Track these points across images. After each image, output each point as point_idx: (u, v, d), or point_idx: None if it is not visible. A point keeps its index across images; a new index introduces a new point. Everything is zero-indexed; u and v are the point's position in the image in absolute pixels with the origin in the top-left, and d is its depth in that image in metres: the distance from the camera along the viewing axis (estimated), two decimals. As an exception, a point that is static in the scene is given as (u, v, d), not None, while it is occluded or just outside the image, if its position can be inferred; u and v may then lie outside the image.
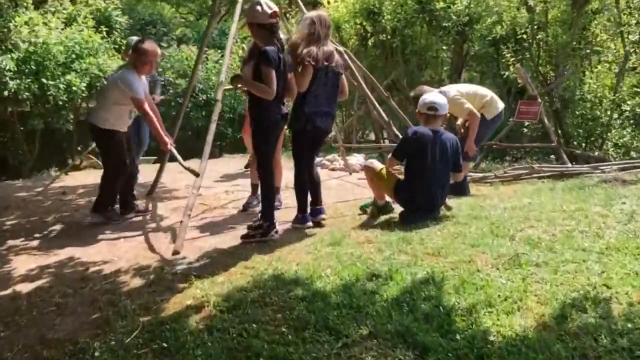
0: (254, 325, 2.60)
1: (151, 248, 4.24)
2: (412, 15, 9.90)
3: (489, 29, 9.95)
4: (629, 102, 8.58)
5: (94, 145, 5.90)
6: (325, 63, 4.20)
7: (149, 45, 4.84)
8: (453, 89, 5.78)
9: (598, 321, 2.42)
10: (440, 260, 3.30)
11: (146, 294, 3.23)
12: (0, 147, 9.67)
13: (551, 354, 2.16)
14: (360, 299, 2.79)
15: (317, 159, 4.86)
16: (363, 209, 4.78)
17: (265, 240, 4.06)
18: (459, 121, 6.15)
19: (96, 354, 2.50)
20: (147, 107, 4.72)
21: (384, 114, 5.72)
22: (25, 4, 8.16)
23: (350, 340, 2.39)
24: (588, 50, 9.15)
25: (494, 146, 8.28)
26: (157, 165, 6.35)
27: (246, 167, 7.04)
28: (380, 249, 3.57)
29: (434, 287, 2.89)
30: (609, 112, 8.44)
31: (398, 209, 4.55)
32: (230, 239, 4.29)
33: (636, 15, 8.74)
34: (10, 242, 4.55)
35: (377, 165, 4.57)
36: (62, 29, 8.77)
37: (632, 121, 8.63)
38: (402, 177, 4.47)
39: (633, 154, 8.12)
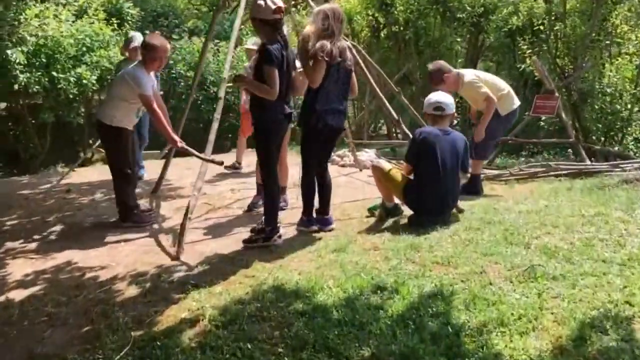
0: (249, 344, 2.44)
1: (151, 252, 4.10)
2: (426, 6, 9.64)
3: (505, 20, 9.65)
4: (650, 96, 8.26)
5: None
6: (339, 59, 3.98)
7: (158, 40, 4.66)
8: (470, 73, 5.51)
9: (620, 344, 2.24)
10: (450, 270, 3.12)
11: (140, 304, 3.10)
12: (12, 140, 9.68)
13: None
14: (363, 315, 2.62)
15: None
16: (371, 211, 4.59)
17: (267, 246, 3.90)
18: (472, 110, 5.90)
19: (82, 373, 2.38)
20: (155, 105, 4.56)
21: (393, 112, 5.49)
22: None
23: (350, 363, 2.23)
24: (608, 42, 8.80)
25: (510, 141, 8.02)
26: (163, 161, 6.20)
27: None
28: (387, 256, 3.40)
29: (443, 302, 2.71)
30: (629, 106, 8.12)
31: (408, 211, 4.36)
32: (232, 242, 4.14)
33: (659, 6, 8.41)
34: (9, 244, 4.44)
35: (386, 165, 4.39)
36: (73, 22, 8.68)
37: (653, 115, 8.32)
38: (411, 177, 4.27)
39: (654, 149, 7.85)
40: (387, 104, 5.53)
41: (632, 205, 4.13)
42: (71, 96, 8.39)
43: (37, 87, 7.90)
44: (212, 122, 4.37)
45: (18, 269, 3.88)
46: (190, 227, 4.20)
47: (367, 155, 7.72)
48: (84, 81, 8.31)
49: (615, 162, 6.41)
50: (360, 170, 7.08)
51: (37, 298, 3.34)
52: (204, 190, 5.28)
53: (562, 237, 3.50)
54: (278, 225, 4.02)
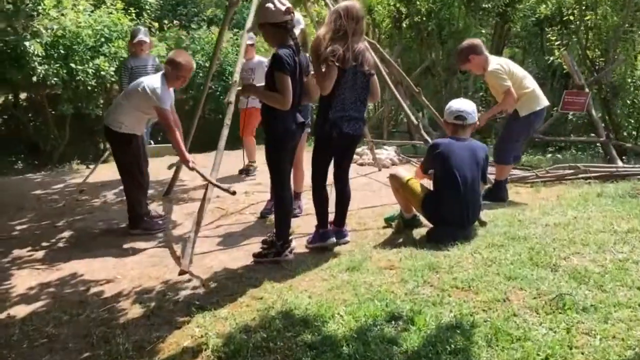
0: (252, 383, 2.28)
1: (158, 265, 3.96)
2: (450, -4, 9.32)
3: (533, 9, 9.28)
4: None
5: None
6: (354, 63, 3.68)
7: (183, 58, 4.45)
8: (496, 61, 5.06)
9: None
10: (471, 297, 2.90)
11: (143, 327, 2.96)
12: (32, 132, 9.68)
13: None
14: (375, 351, 2.43)
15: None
16: (388, 221, 4.38)
17: (278, 261, 3.72)
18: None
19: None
20: (172, 120, 4.39)
21: (413, 118, 5.23)
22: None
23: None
24: (641, 33, 8.41)
25: (536, 140, 7.70)
26: (175, 157, 6.04)
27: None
28: (404, 278, 3.18)
29: (462, 337, 2.50)
30: (663, 101, 7.77)
31: (428, 223, 4.14)
32: (242, 255, 3.98)
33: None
34: (16, 252, 4.36)
35: (404, 174, 4.14)
36: (91, 12, 8.58)
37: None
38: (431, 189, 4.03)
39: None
40: (407, 109, 5.29)
41: (668, 218, 3.85)
42: (89, 88, 8.32)
43: (55, 79, 7.83)
44: (222, 129, 4.14)
45: (22, 281, 3.80)
46: (200, 236, 4.05)
47: (387, 153, 7.50)
48: (102, 72, 8.23)
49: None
50: (380, 169, 6.87)
51: (39, 316, 3.24)
52: (218, 193, 5.11)
53: (592, 258, 3.25)
54: (290, 238, 3.84)
